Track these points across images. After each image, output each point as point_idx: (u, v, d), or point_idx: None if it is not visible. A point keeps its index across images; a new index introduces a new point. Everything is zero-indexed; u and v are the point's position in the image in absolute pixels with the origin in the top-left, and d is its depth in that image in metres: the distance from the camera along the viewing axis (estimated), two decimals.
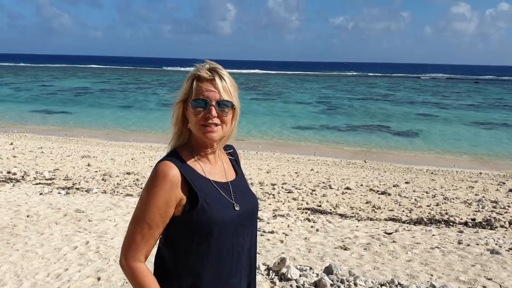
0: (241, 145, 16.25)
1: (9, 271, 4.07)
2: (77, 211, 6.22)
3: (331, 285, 3.92)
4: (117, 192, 8.30)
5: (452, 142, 19.36)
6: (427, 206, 8.67)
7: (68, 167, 10.89)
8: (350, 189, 9.97)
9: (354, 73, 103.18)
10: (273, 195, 8.99)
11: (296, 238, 5.76)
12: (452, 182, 11.49)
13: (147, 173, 10.58)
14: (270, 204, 8.26)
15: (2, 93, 35.33)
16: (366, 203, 8.80)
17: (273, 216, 7.08)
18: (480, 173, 13.17)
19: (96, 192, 7.88)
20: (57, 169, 10.49)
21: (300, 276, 4.05)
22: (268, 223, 6.54)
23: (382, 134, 20.90)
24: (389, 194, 9.54)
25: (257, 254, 4.76)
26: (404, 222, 7.34)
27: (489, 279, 4.35)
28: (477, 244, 5.65)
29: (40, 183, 8.58)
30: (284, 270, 4.08)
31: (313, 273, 4.18)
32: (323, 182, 10.63)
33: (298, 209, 8.11)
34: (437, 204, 8.79)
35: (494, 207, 8.63)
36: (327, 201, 8.73)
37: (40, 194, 7.38)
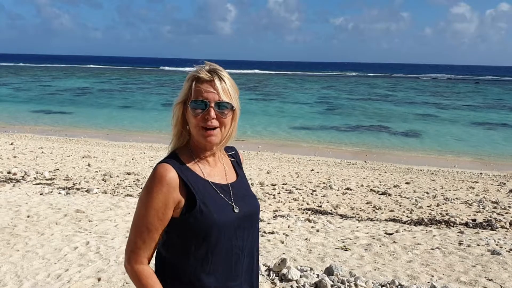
0: (241, 146, 16.25)
1: (10, 271, 4.07)
2: (77, 211, 6.22)
3: (332, 285, 3.91)
4: (117, 192, 8.30)
5: (453, 142, 19.35)
6: (428, 206, 8.66)
7: (68, 167, 10.89)
8: (351, 189, 9.97)
9: (354, 74, 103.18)
10: (274, 195, 8.99)
11: (296, 238, 5.75)
12: (453, 183, 11.48)
13: (147, 173, 10.58)
14: (270, 205, 8.25)
15: (2, 93, 35.34)
16: (367, 203, 8.79)
17: (274, 217, 7.08)
18: (481, 173, 13.16)
19: (96, 193, 7.88)
20: (58, 169, 10.49)
21: (300, 276, 4.05)
22: (268, 223, 6.54)
23: (383, 135, 20.90)
24: (390, 195, 9.53)
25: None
26: (404, 223, 7.33)
27: (489, 280, 4.35)
28: (478, 245, 5.65)
29: (40, 183, 8.58)
30: (284, 270, 4.07)
31: (313, 273, 4.17)
32: (324, 183, 10.63)
33: (298, 209, 8.10)
34: (438, 205, 8.79)
35: (495, 207, 8.62)
36: (328, 202, 8.73)
37: (41, 194, 7.38)
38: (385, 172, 12.93)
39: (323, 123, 23.82)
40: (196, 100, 1.44)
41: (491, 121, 25.74)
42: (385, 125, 23.45)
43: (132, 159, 12.87)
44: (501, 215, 8.05)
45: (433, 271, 4.61)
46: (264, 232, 5.94)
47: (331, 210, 8.16)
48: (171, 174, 1.41)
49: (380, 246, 5.43)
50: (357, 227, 6.73)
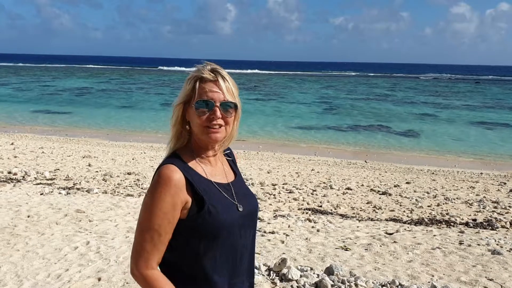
0: (241, 145, 16.25)
1: (10, 271, 4.07)
2: (77, 211, 6.22)
3: (332, 285, 3.91)
4: (117, 192, 8.29)
5: (453, 142, 19.35)
6: (428, 206, 8.66)
7: (68, 167, 10.89)
8: (351, 189, 9.96)
9: (354, 74, 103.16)
10: (274, 195, 8.99)
11: (296, 238, 5.75)
12: (453, 182, 11.48)
13: (147, 173, 10.57)
14: (270, 205, 8.25)
15: (2, 93, 35.35)
16: (367, 203, 8.79)
17: (274, 217, 7.08)
18: (481, 173, 13.15)
19: (96, 192, 7.88)
20: (58, 169, 10.49)
21: (301, 276, 4.05)
22: (268, 223, 6.54)
23: (383, 134, 20.89)
24: (390, 194, 9.53)
25: (258, 255, 4.76)
26: (405, 223, 7.33)
27: (490, 280, 4.34)
28: (478, 245, 5.65)
29: (40, 183, 8.58)
30: (284, 270, 4.07)
31: (314, 273, 4.17)
32: (324, 182, 10.63)
33: (298, 209, 8.10)
34: (438, 205, 8.78)
35: (495, 207, 8.62)
36: (328, 201, 8.73)
37: (41, 194, 7.38)
38: (386, 172, 12.92)
39: (323, 123, 23.82)
40: (201, 100, 1.44)
41: (492, 121, 25.73)
42: (385, 125, 23.45)
43: (133, 159, 12.87)
44: (502, 214, 8.05)
45: (434, 271, 4.61)
46: (265, 232, 5.94)
47: (331, 210, 8.16)
48: (178, 175, 1.39)
49: (380, 246, 5.43)
50: (358, 227, 6.73)
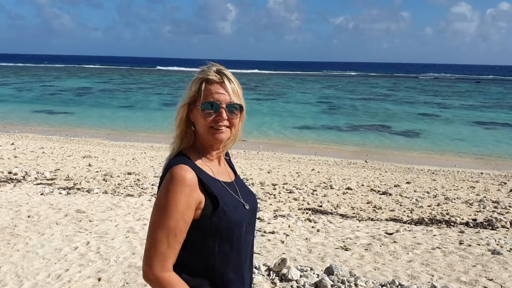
0: (242, 145, 16.25)
1: (10, 271, 4.07)
2: (78, 211, 6.22)
3: (332, 285, 3.91)
4: (118, 192, 8.30)
5: (453, 142, 19.34)
6: (428, 206, 8.66)
7: (69, 167, 10.89)
8: (351, 189, 9.96)
9: (355, 73, 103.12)
10: (274, 195, 8.99)
11: (296, 238, 5.75)
12: (453, 182, 11.48)
13: (148, 173, 10.58)
14: (271, 204, 8.25)
15: (3, 93, 35.37)
16: (367, 203, 8.79)
17: (274, 217, 7.08)
18: (481, 173, 13.15)
19: (97, 193, 7.88)
20: (58, 169, 10.49)
21: (300, 276, 4.05)
22: (269, 223, 6.54)
23: (383, 134, 20.89)
24: (390, 194, 9.53)
25: (258, 255, 4.77)
26: (405, 223, 7.33)
27: (490, 280, 4.34)
28: (478, 245, 5.64)
29: (41, 183, 8.58)
30: (284, 270, 4.07)
31: (313, 273, 4.17)
32: (324, 182, 10.63)
33: (299, 209, 8.10)
34: (438, 204, 8.78)
35: (495, 207, 8.62)
36: (328, 201, 8.73)
37: (41, 194, 7.38)
38: (386, 171, 12.92)
39: (323, 123, 23.82)
40: (207, 101, 1.45)
41: (492, 121, 25.72)
42: (385, 125, 23.44)
43: (133, 159, 12.87)
44: (502, 214, 8.05)
45: (434, 271, 4.61)
46: (265, 231, 5.94)
47: (331, 209, 8.16)
48: (191, 175, 1.40)
49: (380, 246, 5.43)
50: (358, 226, 6.73)
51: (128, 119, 23.79)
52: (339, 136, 20.35)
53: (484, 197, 9.58)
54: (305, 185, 10.16)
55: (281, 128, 21.97)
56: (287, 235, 5.84)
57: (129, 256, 4.54)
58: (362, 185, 10.53)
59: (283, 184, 10.18)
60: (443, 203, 8.89)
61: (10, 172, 9.45)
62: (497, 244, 5.70)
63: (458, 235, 6.32)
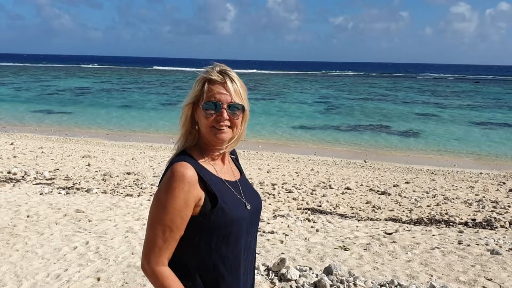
0: (241, 145, 16.18)
1: (9, 271, 4.07)
2: (77, 211, 6.22)
3: (331, 285, 3.91)
4: (117, 192, 8.30)
5: (453, 142, 19.36)
6: (427, 206, 8.66)
7: (68, 167, 10.89)
8: (350, 189, 9.97)
9: (354, 73, 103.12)
10: (273, 195, 8.99)
11: (296, 238, 5.76)
12: (452, 182, 11.49)
13: (147, 173, 10.58)
14: (270, 204, 8.26)
15: (2, 93, 35.35)
16: (366, 203, 8.80)
17: (273, 216, 7.08)
18: (481, 173, 13.17)
19: (96, 192, 7.88)
20: (58, 169, 10.49)
21: (299, 276, 4.05)
22: (268, 223, 6.54)
23: (382, 134, 20.90)
24: (389, 194, 9.54)
25: (257, 255, 4.77)
26: (404, 222, 7.34)
27: (489, 280, 4.35)
28: (477, 245, 5.65)
29: (40, 183, 8.58)
30: (283, 270, 4.07)
31: (312, 273, 4.18)
32: (323, 182, 10.63)
33: (298, 209, 8.11)
34: (437, 204, 8.79)
35: (495, 207, 8.63)
36: (327, 201, 8.73)
37: (40, 194, 7.38)
38: (385, 171, 12.93)
39: (323, 123, 23.83)
40: (208, 101, 1.46)
41: (491, 121, 25.75)
42: (385, 125, 23.46)
43: (132, 159, 12.87)
44: (501, 214, 8.06)
45: (432, 271, 4.62)
46: (264, 231, 5.95)
47: (330, 209, 8.16)
48: (191, 172, 1.41)
49: (379, 246, 5.43)
50: (357, 226, 6.74)
51: (128, 119, 23.78)
52: (338, 135, 20.36)
53: (483, 197, 9.59)
54: (304, 185, 10.17)
55: (280, 128, 22.00)
56: (286, 235, 5.85)
57: (128, 256, 4.54)
58: (361, 185, 10.54)
59: (282, 184, 10.19)
60: (442, 203, 8.90)
61: (9, 172, 9.45)
62: (496, 244, 5.71)
63: (457, 235, 6.33)
